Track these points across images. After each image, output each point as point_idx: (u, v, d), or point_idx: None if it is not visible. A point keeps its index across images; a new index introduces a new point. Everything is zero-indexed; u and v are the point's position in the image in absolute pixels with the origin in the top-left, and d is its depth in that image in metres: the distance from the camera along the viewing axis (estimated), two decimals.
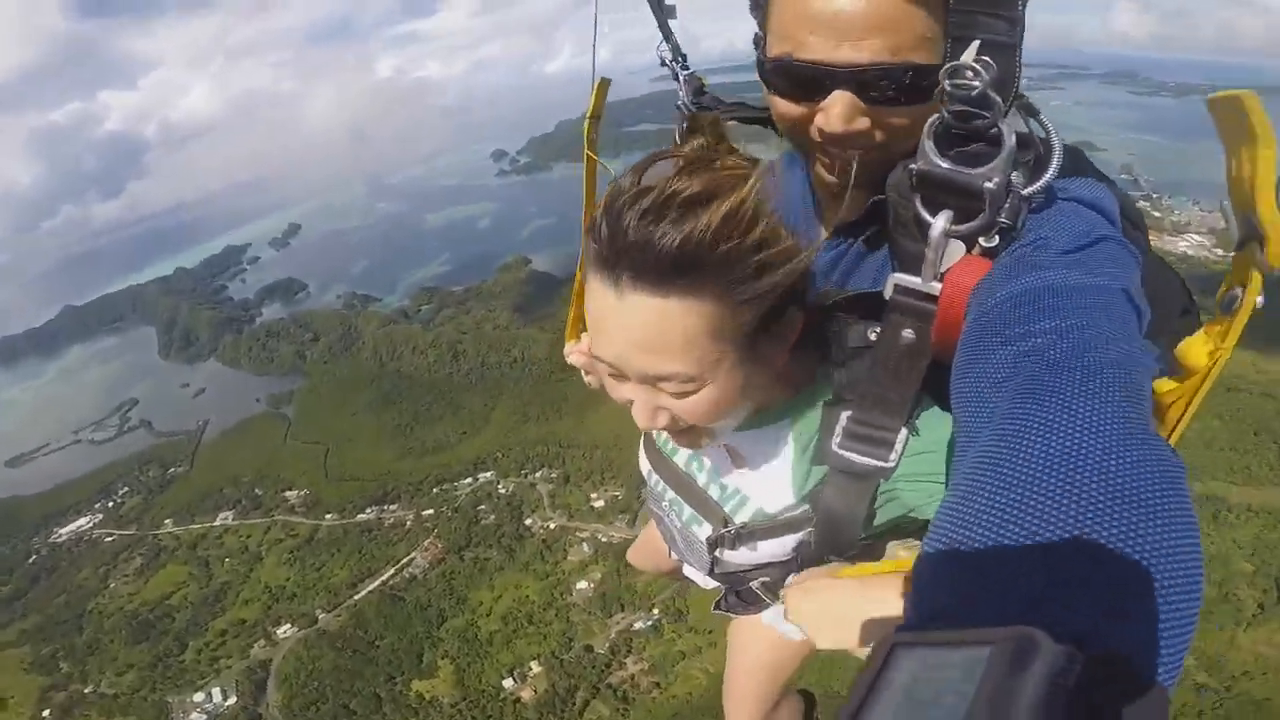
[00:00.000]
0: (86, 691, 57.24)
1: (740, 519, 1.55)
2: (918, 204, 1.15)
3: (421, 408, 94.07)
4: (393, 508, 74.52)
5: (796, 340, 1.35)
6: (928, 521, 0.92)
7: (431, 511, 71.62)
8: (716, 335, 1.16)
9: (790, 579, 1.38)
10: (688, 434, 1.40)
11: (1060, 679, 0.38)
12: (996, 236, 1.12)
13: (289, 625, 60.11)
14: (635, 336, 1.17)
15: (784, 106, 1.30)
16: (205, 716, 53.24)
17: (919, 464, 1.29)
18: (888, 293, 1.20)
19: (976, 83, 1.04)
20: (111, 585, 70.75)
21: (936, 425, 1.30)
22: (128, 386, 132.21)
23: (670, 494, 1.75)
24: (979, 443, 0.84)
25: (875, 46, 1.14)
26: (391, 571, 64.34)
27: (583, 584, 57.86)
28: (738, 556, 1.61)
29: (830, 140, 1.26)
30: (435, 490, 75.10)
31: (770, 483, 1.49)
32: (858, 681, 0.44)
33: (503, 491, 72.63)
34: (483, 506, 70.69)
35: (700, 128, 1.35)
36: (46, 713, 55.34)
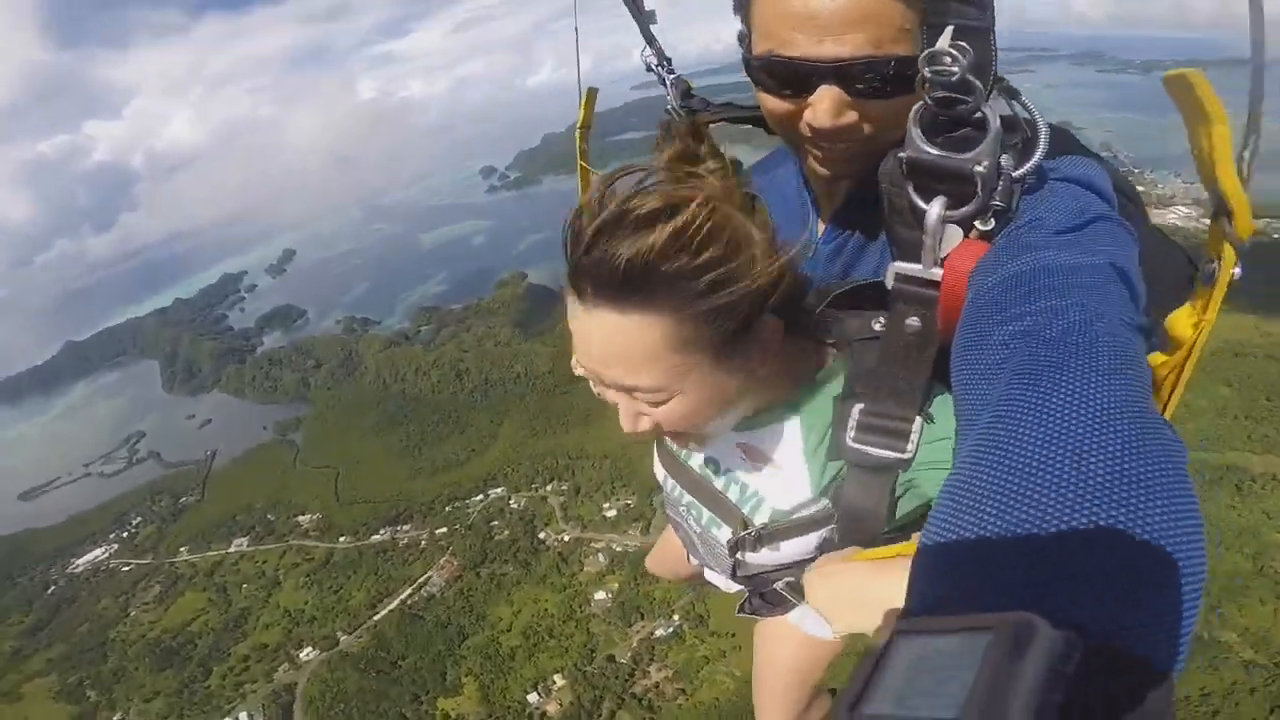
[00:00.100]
0: (115, 719, 57.81)
1: (760, 520, 1.54)
2: (911, 192, 1.16)
3: (428, 428, 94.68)
4: (406, 528, 74.96)
5: (804, 334, 1.41)
6: None
7: (445, 530, 72.03)
8: (678, 348, 1.18)
9: (808, 566, 1.40)
10: (678, 437, 1.46)
11: (1059, 665, 0.38)
12: (992, 219, 1.13)
13: (311, 648, 60.56)
14: (602, 350, 1.21)
15: (772, 103, 1.32)
16: None
17: (936, 451, 1.28)
18: (889, 282, 1.21)
19: (955, 68, 1.05)
20: (132, 613, 71.49)
21: (951, 412, 1.23)
22: (134, 420, 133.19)
23: (687, 498, 1.74)
24: (977, 426, 0.84)
25: (857, 40, 1.15)
26: (409, 591, 64.75)
27: (601, 594, 58.08)
28: (760, 558, 1.59)
29: (819, 135, 1.28)
30: (447, 509, 75.56)
31: (786, 480, 1.49)
32: (858, 669, 0.44)
33: (514, 506, 73.10)
34: (496, 522, 71.08)
35: (674, 135, 1.33)
36: None
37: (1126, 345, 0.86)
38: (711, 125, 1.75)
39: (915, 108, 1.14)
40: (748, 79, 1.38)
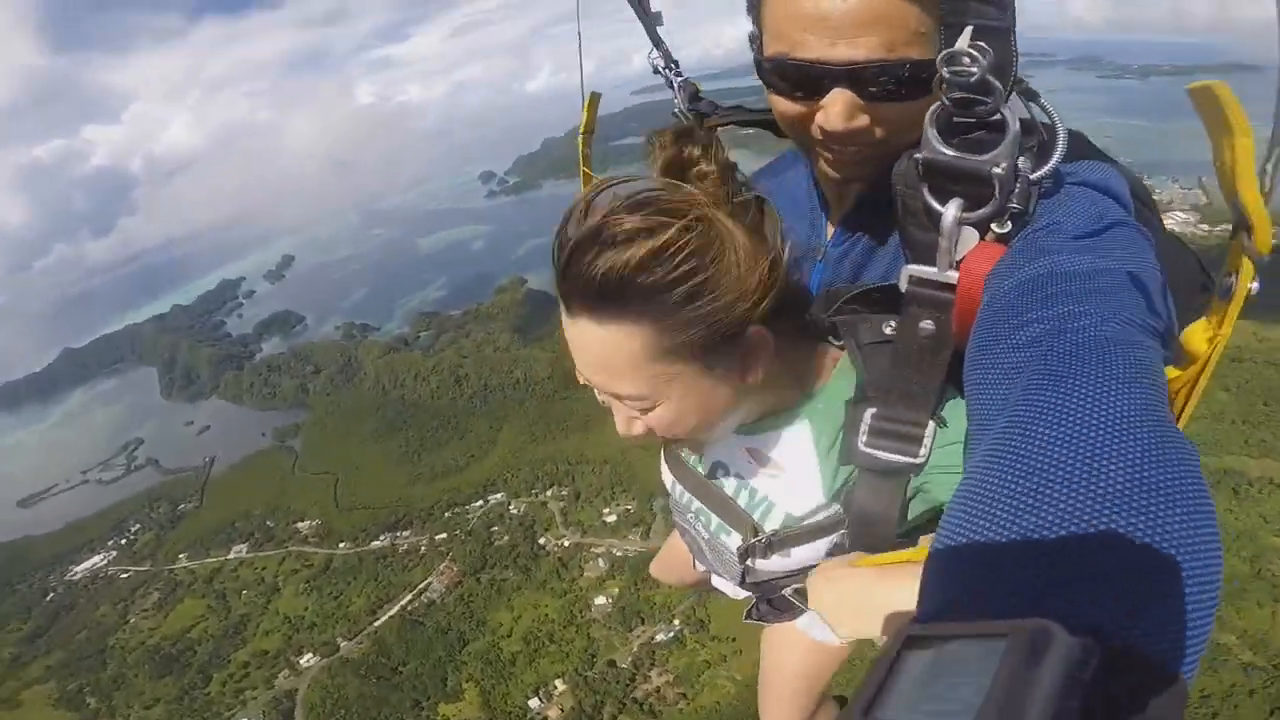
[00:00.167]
0: None
1: (770, 526, 1.52)
2: (926, 193, 1.15)
3: (428, 434, 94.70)
4: (405, 534, 75.03)
5: (810, 338, 1.44)
6: None
7: (444, 536, 72.10)
8: (657, 358, 1.18)
9: (812, 570, 1.40)
10: (677, 441, 1.48)
11: (1076, 671, 0.38)
12: (1009, 222, 1.12)
13: (311, 654, 60.52)
14: (586, 358, 1.24)
15: (783, 105, 1.31)
16: None
17: (949, 456, 1.27)
18: (903, 285, 1.20)
19: (974, 69, 1.04)
20: (131, 620, 71.49)
21: (964, 416, 1.21)
22: (132, 427, 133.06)
23: (696, 504, 1.71)
24: (992, 431, 0.83)
25: (870, 43, 1.14)
26: (409, 597, 64.79)
27: (601, 599, 58.12)
28: (770, 565, 1.57)
29: (830, 138, 1.27)
30: (447, 514, 75.64)
31: (796, 485, 1.46)
32: (870, 674, 0.44)
33: (514, 512, 73.15)
34: (495, 528, 71.14)
35: (660, 144, 1.30)
36: None
37: (1144, 352, 0.85)
38: (720, 129, 1.76)
39: (932, 108, 1.13)
40: (748, 83, 1.37)
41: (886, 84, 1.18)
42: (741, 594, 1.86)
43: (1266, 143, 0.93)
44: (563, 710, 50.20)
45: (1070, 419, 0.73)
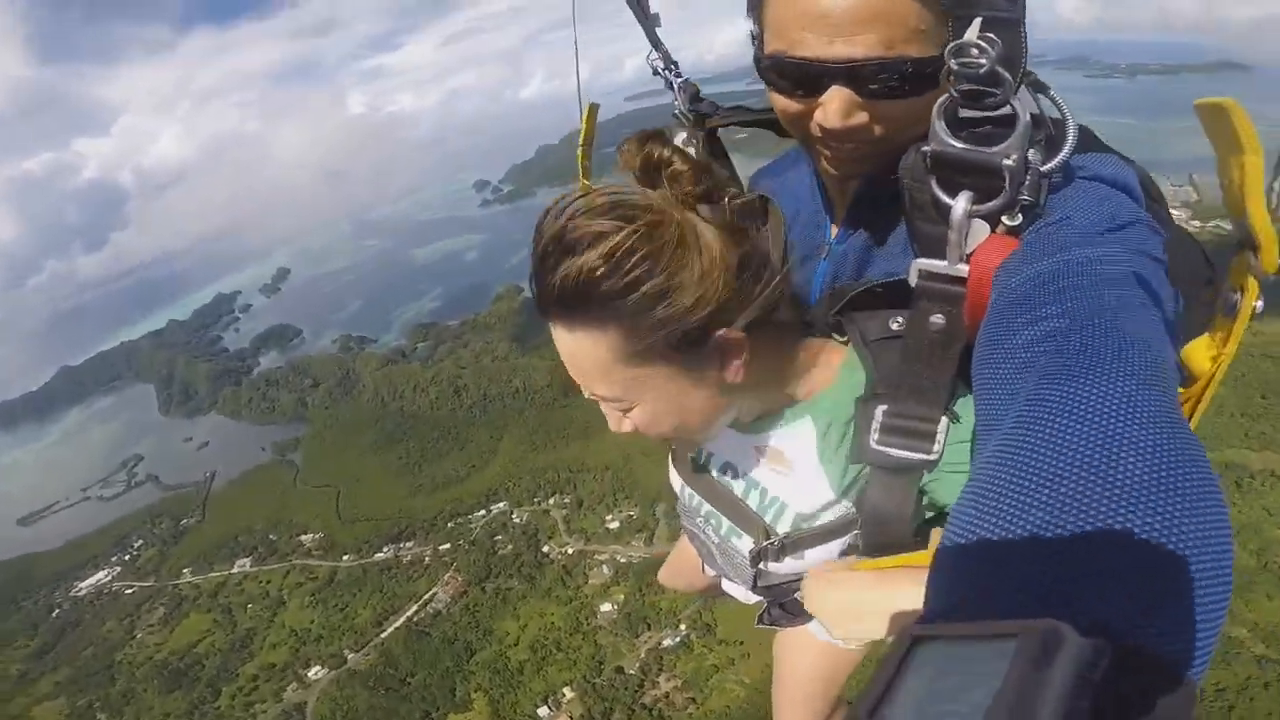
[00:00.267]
0: None
1: (782, 528, 1.50)
2: (934, 186, 1.14)
3: (428, 445, 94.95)
4: (409, 545, 75.20)
5: (819, 335, 1.44)
6: None
7: (448, 546, 72.31)
8: (625, 361, 1.20)
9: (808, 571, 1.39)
10: (673, 440, 1.51)
11: (1087, 672, 0.38)
12: (1020, 215, 1.11)
13: (319, 667, 60.68)
14: (567, 361, 1.26)
15: (783, 103, 1.31)
16: None
17: (962, 452, 1.26)
18: (913, 279, 1.19)
19: (983, 60, 1.03)
20: (138, 635, 71.59)
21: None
22: (130, 444, 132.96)
23: (706, 507, 1.69)
24: (1001, 427, 0.81)
25: (869, 41, 1.14)
26: (415, 608, 64.97)
27: (607, 606, 58.40)
28: (784, 567, 1.54)
29: (829, 135, 1.27)
30: (450, 525, 75.80)
31: (806, 483, 1.44)
32: (876, 675, 0.43)
33: (517, 521, 73.40)
34: (499, 537, 71.41)
35: (626, 152, 1.27)
36: None
37: (1156, 349, 0.84)
38: (721, 129, 1.83)
39: (940, 101, 1.12)
40: (742, 87, 1.70)
41: (885, 81, 1.17)
42: (753, 598, 1.84)
43: (1272, 159, 0.92)
44: (572, 718, 50.42)
45: (1084, 415, 0.72)
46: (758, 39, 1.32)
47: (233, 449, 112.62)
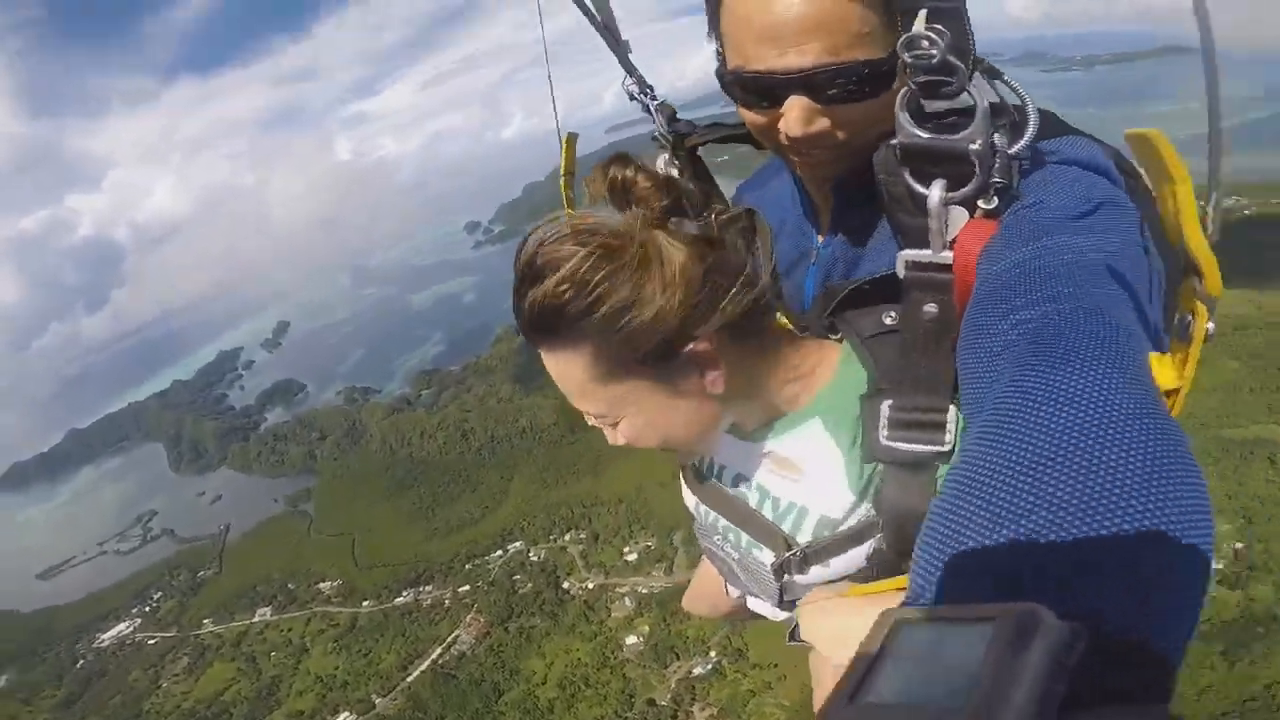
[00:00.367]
0: None
1: (803, 537, 1.42)
2: (908, 178, 1.15)
3: (439, 489, 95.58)
4: (428, 588, 75.59)
5: (813, 337, 1.45)
6: None
7: (467, 587, 72.56)
8: (603, 379, 1.22)
9: (801, 598, 1.34)
10: (673, 452, 1.49)
11: (1063, 656, 0.38)
12: (995, 197, 1.11)
13: (348, 713, 61.04)
14: (555, 383, 1.28)
15: (750, 116, 1.33)
16: None
17: None
18: (901, 271, 1.19)
19: (934, 50, 1.04)
20: (163, 685, 72.21)
21: None
22: (143, 500, 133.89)
23: (723, 522, 1.61)
24: (983, 413, 0.82)
25: (816, 49, 1.15)
26: (439, 651, 65.17)
27: (632, 639, 57.92)
28: (808, 578, 1.44)
29: (795, 143, 1.28)
30: (467, 566, 76.08)
31: (821, 485, 1.38)
32: (857, 659, 0.44)
33: (534, 559, 73.64)
34: (518, 576, 71.62)
35: (595, 176, 1.24)
36: None
37: (1135, 335, 0.85)
38: (701, 147, 1.82)
39: (901, 94, 1.14)
40: (718, 110, 1.55)
41: (843, 86, 1.19)
42: (781, 615, 1.75)
43: (1201, 181, 0.93)
44: None
45: (1067, 401, 0.72)
46: (720, 56, 1.35)
47: (245, 502, 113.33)
